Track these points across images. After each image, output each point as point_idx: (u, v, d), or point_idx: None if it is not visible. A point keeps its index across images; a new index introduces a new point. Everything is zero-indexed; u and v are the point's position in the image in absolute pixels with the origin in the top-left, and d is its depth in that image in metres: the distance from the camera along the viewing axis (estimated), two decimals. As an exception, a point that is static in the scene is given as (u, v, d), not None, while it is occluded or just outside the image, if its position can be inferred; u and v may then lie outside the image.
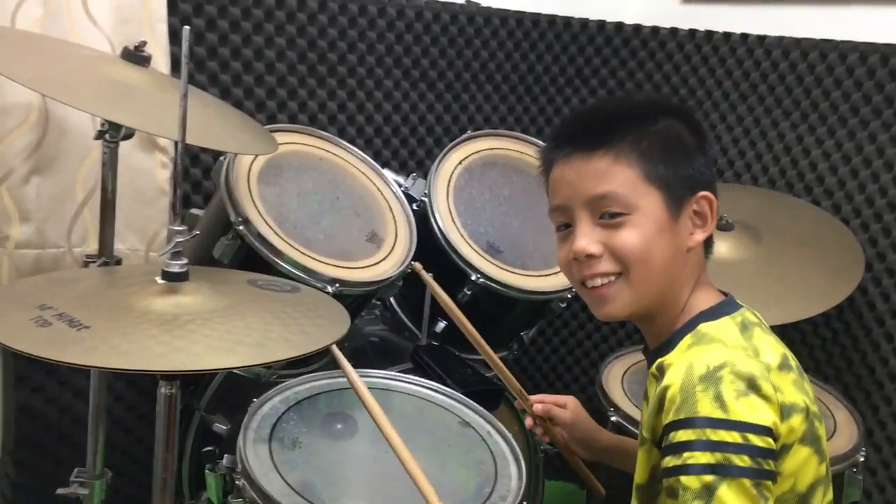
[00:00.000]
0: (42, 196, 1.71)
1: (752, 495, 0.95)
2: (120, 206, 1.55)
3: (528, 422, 1.52)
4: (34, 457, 1.83)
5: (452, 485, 1.40)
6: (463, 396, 1.59)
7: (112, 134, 1.40)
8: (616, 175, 1.09)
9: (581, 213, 1.12)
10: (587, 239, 1.11)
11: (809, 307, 1.81)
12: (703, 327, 1.09)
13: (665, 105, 1.22)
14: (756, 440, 0.96)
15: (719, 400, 0.96)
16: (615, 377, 1.85)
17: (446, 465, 1.45)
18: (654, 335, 1.18)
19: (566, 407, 1.50)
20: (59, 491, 1.47)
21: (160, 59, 1.73)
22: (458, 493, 1.36)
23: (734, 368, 0.99)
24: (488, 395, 1.67)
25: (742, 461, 0.95)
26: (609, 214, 1.10)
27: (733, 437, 0.95)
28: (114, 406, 1.90)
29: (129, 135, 1.43)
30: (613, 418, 1.70)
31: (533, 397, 1.52)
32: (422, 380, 1.62)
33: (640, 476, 1.13)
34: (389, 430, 1.23)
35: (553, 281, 1.84)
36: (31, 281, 1.26)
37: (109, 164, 1.44)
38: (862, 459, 1.63)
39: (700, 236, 1.13)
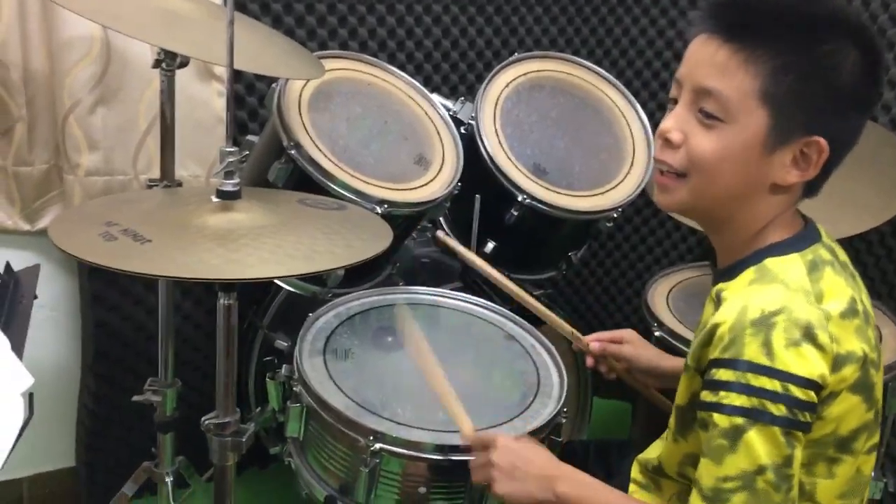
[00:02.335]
0: (108, 125, 1.80)
1: (779, 443, 0.95)
2: (180, 134, 1.63)
3: (590, 362, 1.51)
4: (112, 370, 1.97)
5: (497, 393, 1.47)
6: (509, 312, 1.65)
7: (168, 62, 1.47)
8: (734, 77, 1.00)
9: (687, 95, 1.05)
10: (674, 123, 1.06)
11: (861, 223, 1.80)
12: (770, 262, 1.04)
13: (851, 28, 1.02)
14: (796, 391, 0.94)
15: (767, 346, 0.95)
16: (661, 294, 1.89)
17: (491, 375, 1.52)
18: (721, 253, 1.14)
19: (623, 341, 1.48)
20: (135, 398, 1.59)
21: (212, -11, 1.78)
22: (502, 402, 1.43)
23: (791, 315, 0.96)
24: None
25: (777, 410, 0.94)
26: (705, 113, 1.03)
27: (773, 385, 0.94)
28: (182, 324, 2.02)
29: (185, 63, 1.49)
30: (657, 333, 1.75)
31: (588, 337, 1.50)
32: (469, 296, 1.68)
33: (680, 398, 1.14)
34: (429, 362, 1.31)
35: (599, 201, 1.86)
36: (99, 201, 1.36)
37: (167, 93, 1.52)
38: (905, 372, 1.65)
39: (793, 178, 1.03)
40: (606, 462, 1.47)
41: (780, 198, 1.06)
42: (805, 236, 1.08)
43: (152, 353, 1.71)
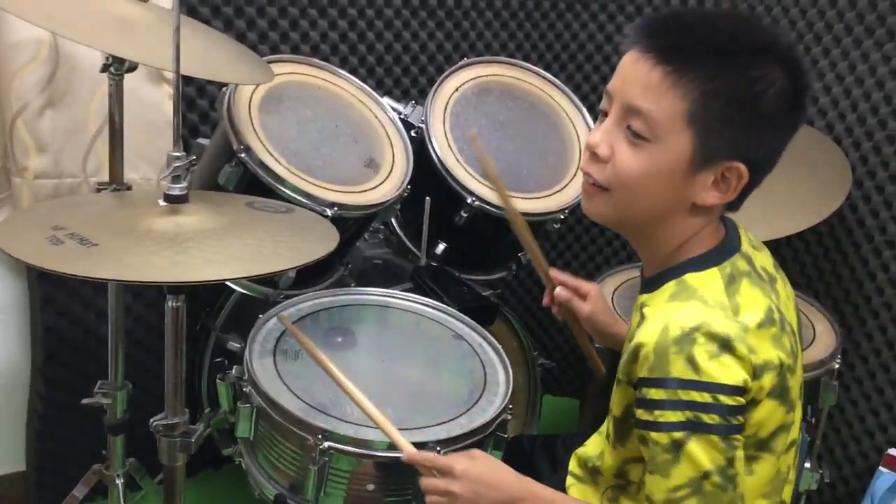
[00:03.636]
0: (57, 128, 1.80)
1: (720, 448, 0.99)
2: (131, 136, 1.63)
3: (546, 300, 1.49)
4: (61, 373, 1.96)
5: (444, 391, 1.51)
6: (458, 312, 1.69)
7: (116, 67, 1.48)
8: (663, 99, 1.01)
9: (616, 111, 1.06)
10: (602, 137, 1.07)
11: (795, 223, 1.87)
12: (689, 278, 1.07)
13: (781, 54, 1.04)
14: (726, 399, 0.99)
15: (691, 362, 0.98)
16: (607, 292, 1.93)
17: (440, 373, 1.55)
18: (645, 263, 1.18)
19: (587, 297, 1.45)
20: (85, 401, 1.60)
21: (163, -8, 1.79)
22: (450, 398, 1.46)
23: (709, 330, 0.99)
24: (483, 311, 1.76)
25: (711, 419, 0.98)
26: (633, 131, 1.05)
27: (703, 397, 0.98)
28: (134, 327, 2.02)
29: (133, 68, 1.50)
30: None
31: (557, 277, 1.47)
32: (418, 297, 1.71)
33: (616, 408, 1.17)
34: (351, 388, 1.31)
35: (546, 203, 1.90)
36: (46, 205, 1.36)
37: (116, 96, 1.52)
38: (836, 367, 1.72)
39: (713, 200, 1.06)
40: (552, 456, 1.51)
41: (700, 218, 1.10)
42: (723, 248, 1.11)
43: (102, 355, 1.71)
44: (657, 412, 1.01)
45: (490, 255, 2.05)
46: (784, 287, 1.17)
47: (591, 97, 2.46)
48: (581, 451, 1.33)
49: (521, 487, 1.17)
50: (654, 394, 1.01)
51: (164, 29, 1.43)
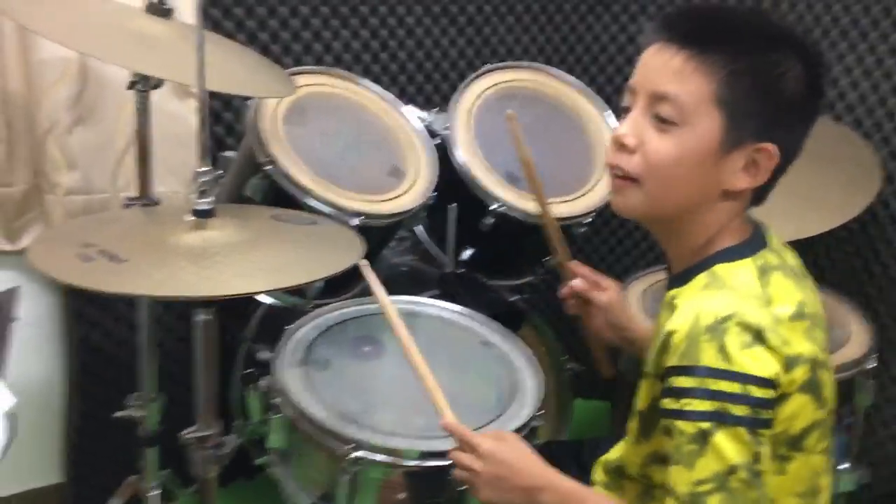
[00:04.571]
0: (86, 145, 1.83)
1: (746, 441, 0.97)
2: (159, 151, 1.66)
3: (564, 291, 1.48)
4: (96, 386, 1.99)
5: (472, 397, 1.50)
6: (486, 318, 1.69)
7: (142, 84, 1.50)
8: (689, 81, 1.02)
9: (641, 101, 1.07)
10: (630, 128, 1.07)
11: (826, 221, 1.85)
12: (720, 268, 1.07)
13: (795, 42, 1.06)
14: (756, 391, 0.97)
15: (723, 351, 0.97)
16: (635, 295, 1.92)
17: (466, 379, 1.55)
18: (673, 259, 1.17)
19: (607, 291, 1.45)
20: (118, 414, 1.62)
21: (186, 9, 1.81)
22: (478, 405, 1.46)
23: (742, 319, 0.98)
24: (511, 316, 1.76)
25: (740, 410, 0.96)
26: (661, 118, 1.05)
27: (733, 387, 0.96)
28: (165, 338, 2.04)
29: (158, 84, 1.52)
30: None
31: (576, 268, 1.47)
32: (446, 303, 1.71)
33: (642, 403, 1.15)
34: (409, 343, 1.29)
35: (571, 207, 1.90)
36: (76, 222, 1.39)
37: (143, 112, 1.55)
38: (872, 366, 1.69)
39: (743, 184, 1.06)
40: (580, 462, 1.50)
41: (730, 205, 1.09)
42: (753, 242, 1.11)
43: (136, 367, 1.73)
44: (684, 400, 0.99)
45: (516, 260, 2.05)
46: (813, 288, 1.15)
47: (615, 99, 2.43)
48: (605, 457, 1.32)
49: (543, 477, 1.15)
50: (683, 381, 0.99)
51: (187, 45, 1.45)
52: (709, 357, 0.97)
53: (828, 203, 1.87)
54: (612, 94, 2.46)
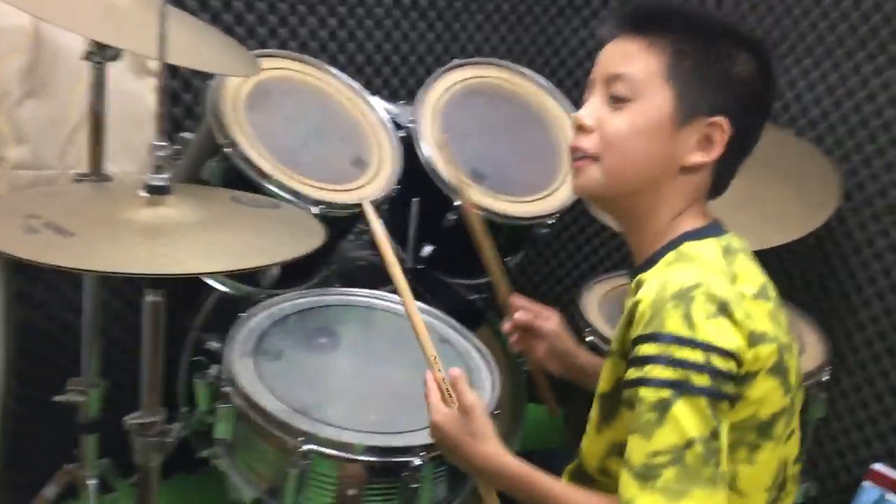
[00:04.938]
0: (37, 119, 1.75)
1: (706, 415, 0.96)
2: (113, 129, 1.59)
3: (506, 326, 1.47)
4: (35, 370, 1.91)
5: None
6: (444, 315, 1.66)
7: (98, 55, 1.44)
8: (639, 60, 1.08)
9: (598, 88, 1.12)
10: (587, 111, 1.12)
11: (784, 234, 1.86)
12: (686, 246, 1.09)
13: (741, 36, 1.12)
14: (718, 362, 0.96)
15: (688, 319, 0.97)
16: (593, 299, 1.91)
17: (423, 376, 1.52)
18: (637, 250, 1.18)
19: (549, 320, 1.45)
20: (57, 398, 1.55)
21: (149, -17, 1.76)
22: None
23: (708, 290, 0.99)
24: (469, 315, 1.74)
25: (702, 380, 0.96)
26: (615, 97, 1.09)
27: (696, 356, 0.96)
28: (111, 324, 1.97)
29: (115, 56, 1.46)
30: (589, 338, 1.77)
31: (517, 302, 1.47)
32: (404, 299, 1.68)
33: (603, 386, 1.14)
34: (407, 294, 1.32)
35: (535, 206, 1.88)
36: (23, 194, 1.32)
37: (98, 86, 1.48)
38: (825, 379, 1.70)
39: (698, 158, 1.09)
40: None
41: (688, 182, 1.12)
42: (716, 226, 1.14)
43: (79, 353, 1.66)
44: (648, 367, 0.98)
45: (477, 259, 2.02)
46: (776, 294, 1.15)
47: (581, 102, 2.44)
48: (571, 466, 1.29)
49: (496, 465, 1.14)
50: (647, 349, 0.99)
51: (149, 16, 1.39)
52: (674, 323, 0.97)
53: (787, 217, 1.88)
54: (579, 96, 2.44)
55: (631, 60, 1.09)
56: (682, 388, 0.96)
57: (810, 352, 1.77)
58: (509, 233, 1.95)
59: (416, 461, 1.29)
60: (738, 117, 1.09)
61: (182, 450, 1.47)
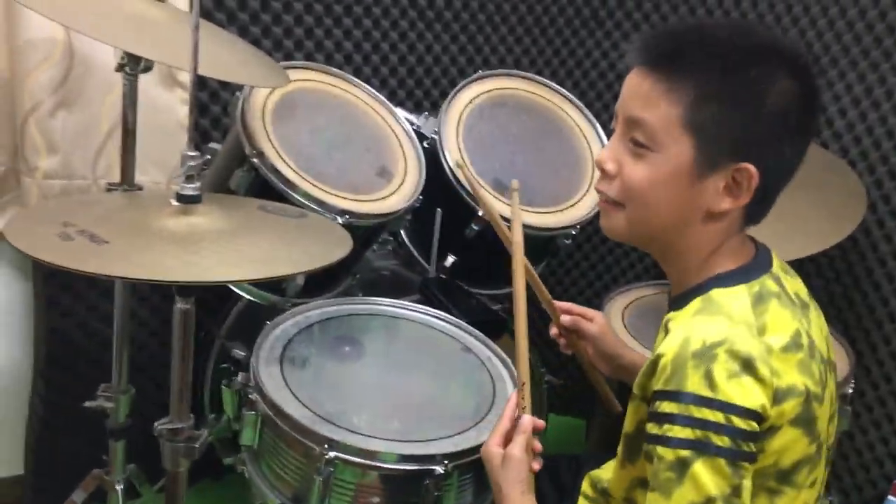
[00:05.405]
0: (68, 129, 1.79)
1: (726, 474, 0.95)
2: (142, 140, 1.62)
3: (553, 331, 1.49)
4: (63, 376, 1.94)
5: (452, 403, 1.49)
6: (466, 325, 1.67)
7: (131, 66, 1.47)
8: (658, 107, 1.02)
9: (620, 126, 1.09)
10: (609, 153, 1.09)
11: (808, 246, 1.86)
12: (716, 293, 1.05)
13: (782, 55, 1.04)
14: (739, 422, 0.95)
15: (709, 378, 0.95)
16: (617, 311, 1.91)
17: (447, 386, 1.53)
18: (673, 282, 1.16)
19: (593, 321, 1.46)
20: (87, 404, 1.57)
21: (179, -4, 1.79)
22: (458, 411, 1.44)
23: (732, 347, 0.97)
24: (492, 325, 1.74)
25: (721, 441, 0.95)
26: (635, 142, 1.06)
27: (716, 416, 0.95)
28: (138, 331, 2.00)
29: (148, 67, 1.49)
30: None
31: (561, 306, 1.47)
32: (428, 309, 1.69)
33: (628, 425, 1.14)
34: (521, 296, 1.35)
35: (558, 217, 1.89)
36: (57, 202, 1.35)
37: (130, 97, 1.51)
38: (850, 392, 1.69)
39: (726, 205, 1.04)
40: (556, 479, 1.48)
41: (717, 226, 1.08)
42: (753, 267, 1.09)
43: (105, 360, 1.69)
44: (667, 426, 0.97)
45: (499, 270, 2.02)
46: (818, 317, 1.13)
47: (604, 115, 2.44)
48: (595, 473, 1.30)
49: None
50: (667, 406, 0.98)
51: (180, 29, 1.42)
52: (694, 383, 0.96)
53: (812, 228, 1.88)
54: (602, 109, 2.46)
55: (650, 105, 1.03)
56: (701, 447, 0.95)
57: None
58: (532, 243, 1.94)
59: (440, 469, 1.29)
60: (771, 155, 1.04)
61: (208, 457, 1.49)
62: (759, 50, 1.03)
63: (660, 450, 0.98)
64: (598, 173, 1.89)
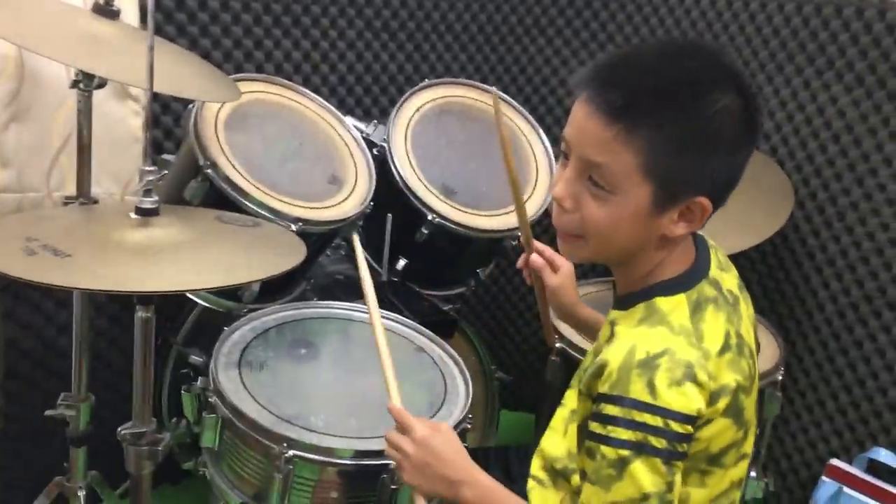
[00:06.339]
0: (21, 143, 1.80)
1: (662, 472, 1.03)
2: (95, 152, 1.65)
3: (520, 263, 1.53)
4: (22, 388, 1.95)
5: (405, 401, 1.52)
6: (419, 326, 1.73)
7: (85, 83, 1.50)
8: (617, 154, 1.05)
9: (575, 162, 1.10)
10: (565, 189, 1.11)
11: (741, 242, 1.96)
12: (658, 302, 1.11)
13: (730, 76, 1.08)
14: (676, 426, 1.03)
15: (651, 386, 1.02)
16: (563, 308, 1.99)
17: (401, 385, 1.59)
18: (619, 282, 1.21)
19: (559, 271, 1.50)
20: (48, 413, 1.60)
21: (129, 12, 1.82)
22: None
23: (674, 357, 1.04)
24: (443, 325, 1.82)
25: (659, 443, 1.03)
26: (594, 182, 1.08)
27: (656, 420, 1.02)
28: (96, 341, 2.02)
29: (102, 84, 1.52)
30: (558, 344, 1.85)
31: (536, 246, 1.51)
32: (381, 311, 1.75)
33: (578, 418, 1.19)
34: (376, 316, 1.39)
35: (504, 220, 1.96)
36: (16, 217, 1.38)
37: (84, 112, 1.55)
38: (780, 378, 1.80)
39: (681, 230, 1.10)
40: (506, 468, 1.55)
41: (671, 244, 1.14)
42: (692, 273, 1.15)
43: (63, 370, 1.71)
44: (610, 427, 1.05)
45: (449, 272, 2.10)
46: (747, 308, 1.22)
47: (548, 119, 2.54)
48: (548, 452, 1.36)
49: (468, 472, 1.21)
50: (610, 410, 1.05)
51: (133, 45, 1.47)
52: (637, 390, 1.04)
53: (744, 225, 1.98)
54: (545, 112, 2.55)
55: (609, 152, 1.05)
56: (640, 448, 1.03)
57: (765, 353, 1.87)
58: (480, 245, 2.03)
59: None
60: (724, 176, 1.08)
61: (166, 462, 1.52)
62: (704, 79, 1.06)
63: (603, 448, 1.06)
64: (542, 177, 1.97)
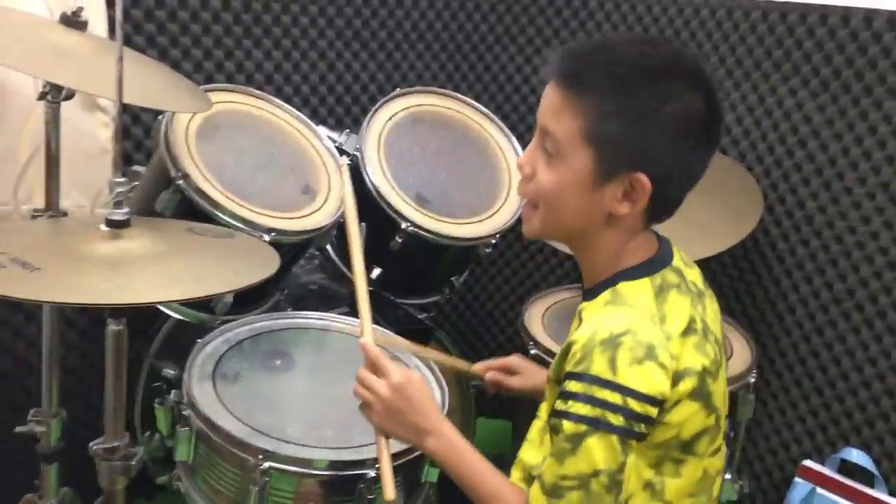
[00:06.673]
0: (-12, 156, 1.79)
1: (615, 450, 1.06)
2: (64, 164, 1.63)
3: (489, 390, 1.61)
4: (-9, 404, 1.93)
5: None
6: (394, 335, 1.73)
7: (54, 95, 1.49)
8: (564, 118, 1.12)
9: (538, 132, 1.18)
10: (527, 157, 1.19)
11: (712, 246, 1.98)
12: (622, 287, 1.16)
13: (686, 71, 1.13)
14: (634, 405, 1.06)
15: (612, 363, 1.06)
16: (537, 314, 2.00)
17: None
18: (585, 275, 1.25)
19: (513, 370, 1.57)
20: (18, 429, 1.58)
21: (98, 23, 1.81)
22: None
23: (636, 336, 1.07)
24: (418, 333, 1.81)
25: (616, 420, 1.05)
26: (546, 149, 1.16)
27: (614, 397, 1.05)
28: (66, 355, 2.00)
29: (70, 95, 1.51)
30: (532, 351, 1.86)
31: (479, 366, 1.60)
32: (355, 320, 1.74)
33: (545, 411, 1.24)
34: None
35: (477, 228, 1.97)
36: (-16, 231, 1.35)
37: (53, 123, 1.53)
38: (752, 381, 1.82)
39: (624, 209, 1.14)
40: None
41: (619, 227, 1.17)
42: (656, 261, 1.19)
43: (32, 385, 1.69)
44: (570, 402, 1.08)
45: (424, 280, 2.10)
46: (711, 303, 1.25)
47: (520, 126, 2.55)
48: (526, 460, 1.36)
49: (436, 422, 1.24)
50: (573, 386, 1.08)
51: (101, 57, 1.46)
52: (599, 367, 1.07)
53: (714, 230, 2.01)
54: (517, 121, 2.57)
55: (558, 118, 1.13)
56: (597, 424, 1.06)
57: (738, 356, 1.89)
58: (454, 253, 2.03)
59: (371, 473, 1.35)
60: (670, 164, 1.12)
61: (139, 476, 1.51)
62: (660, 68, 1.12)
63: (563, 423, 1.09)
64: (514, 185, 1.99)
